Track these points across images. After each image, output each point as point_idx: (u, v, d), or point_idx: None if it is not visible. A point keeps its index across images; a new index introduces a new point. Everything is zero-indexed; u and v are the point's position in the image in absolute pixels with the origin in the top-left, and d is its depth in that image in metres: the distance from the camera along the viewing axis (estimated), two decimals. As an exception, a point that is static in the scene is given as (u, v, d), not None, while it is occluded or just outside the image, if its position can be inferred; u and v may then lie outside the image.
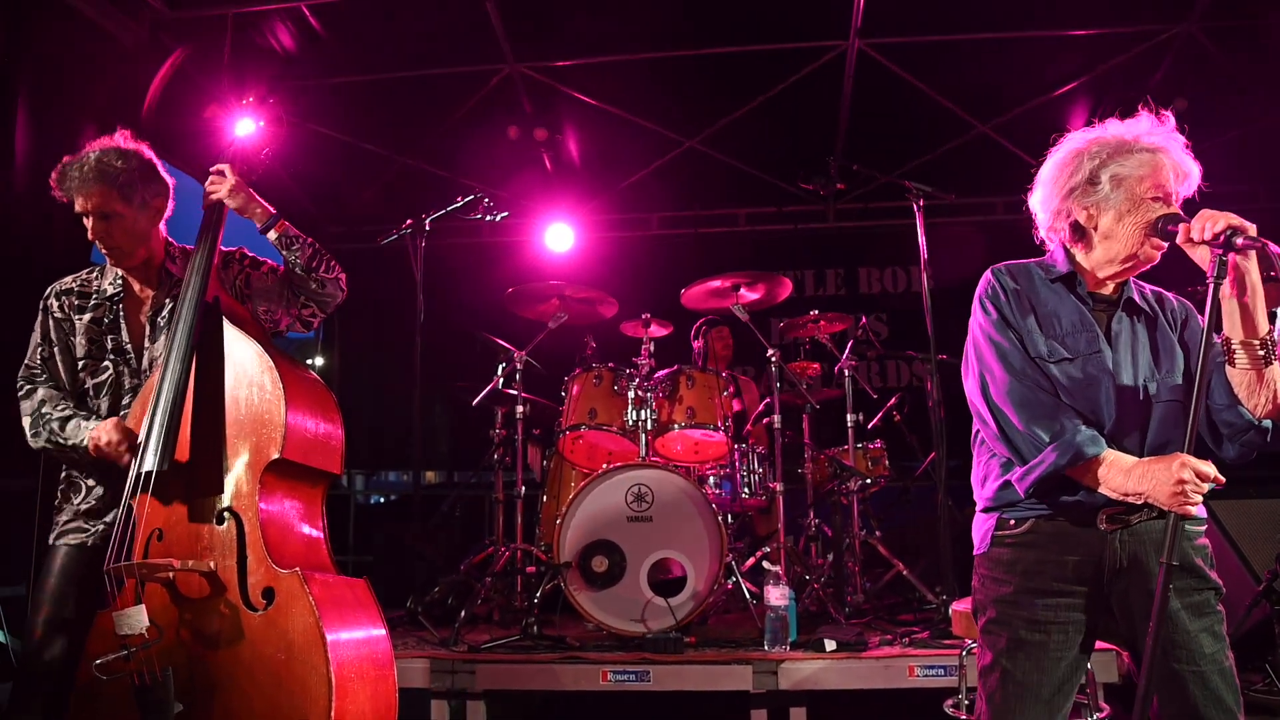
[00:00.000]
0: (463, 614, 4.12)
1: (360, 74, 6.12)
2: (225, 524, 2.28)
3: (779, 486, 4.55)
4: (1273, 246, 1.77)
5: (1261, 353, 1.84)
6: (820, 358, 5.74)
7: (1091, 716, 2.92)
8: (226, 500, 2.30)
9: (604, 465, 4.22)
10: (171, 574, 2.22)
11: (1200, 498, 1.75)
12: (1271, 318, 1.85)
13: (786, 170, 7.20)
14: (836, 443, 5.22)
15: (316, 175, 7.05)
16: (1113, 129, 2.03)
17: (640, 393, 4.42)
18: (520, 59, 6.12)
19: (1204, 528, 1.98)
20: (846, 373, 5.07)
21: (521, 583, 4.72)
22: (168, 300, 2.62)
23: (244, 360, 2.40)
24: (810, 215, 7.89)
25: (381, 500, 11.01)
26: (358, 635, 2.25)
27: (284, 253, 2.70)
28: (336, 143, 6.74)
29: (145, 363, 2.57)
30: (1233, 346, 1.87)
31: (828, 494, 5.19)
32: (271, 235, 2.70)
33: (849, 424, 5.02)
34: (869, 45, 5.97)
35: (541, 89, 6.37)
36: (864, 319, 5.31)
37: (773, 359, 4.59)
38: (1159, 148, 1.97)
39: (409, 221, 4.81)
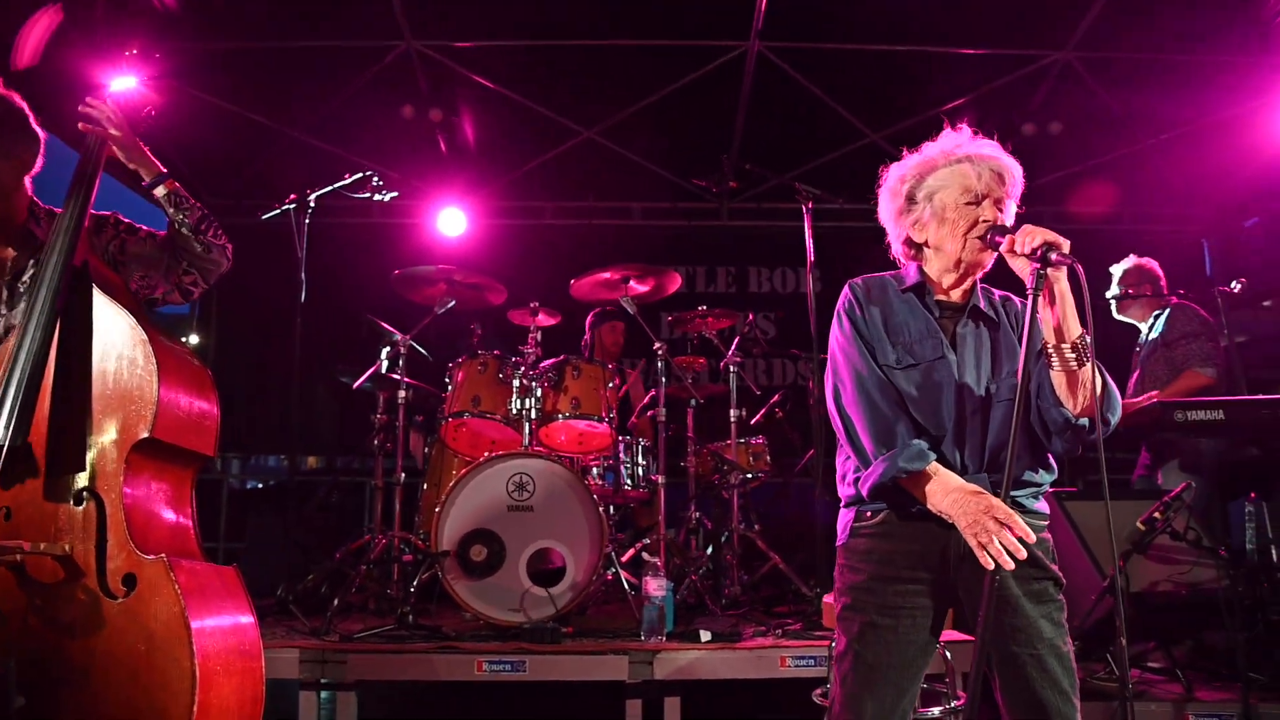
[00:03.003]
0: (335, 602, 4.02)
1: (248, 39, 5.88)
2: (84, 505, 2.14)
3: (661, 479, 4.60)
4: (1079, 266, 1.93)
5: (1072, 355, 1.98)
6: (707, 353, 5.83)
7: (949, 703, 3.06)
8: (87, 480, 2.16)
9: (486, 454, 4.18)
10: (20, 556, 2.07)
11: (998, 544, 1.85)
12: None
13: (682, 166, 7.29)
14: (719, 437, 5.30)
15: (197, 143, 6.73)
16: (926, 150, 2.21)
17: (525, 381, 4.40)
18: (418, 36, 5.99)
19: (1046, 523, 2.15)
20: (731, 369, 5.16)
21: (398, 571, 4.63)
22: (30, 263, 2.44)
23: (114, 331, 2.26)
24: (704, 213, 8.00)
25: (259, 485, 10.61)
26: (225, 625, 2.16)
27: (171, 211, 2.57)
28: (220, 110, 6.45)
29: (1, 329, 2.40)
30: (1049, 351, 2.02)
31: (709, 487, 5.29)
32: (159, 191, 2.56)
33: (732, 419, 5.11)
34: (768, 48, 6.08)
35: (439, 69, 6.25)
36: (751, 316, 5.41)
37: (659, 352, 4.64)
38: (963, 157, 2.14)
39: (293, 197, 4.65)
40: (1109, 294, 4.80)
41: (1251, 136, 6.72)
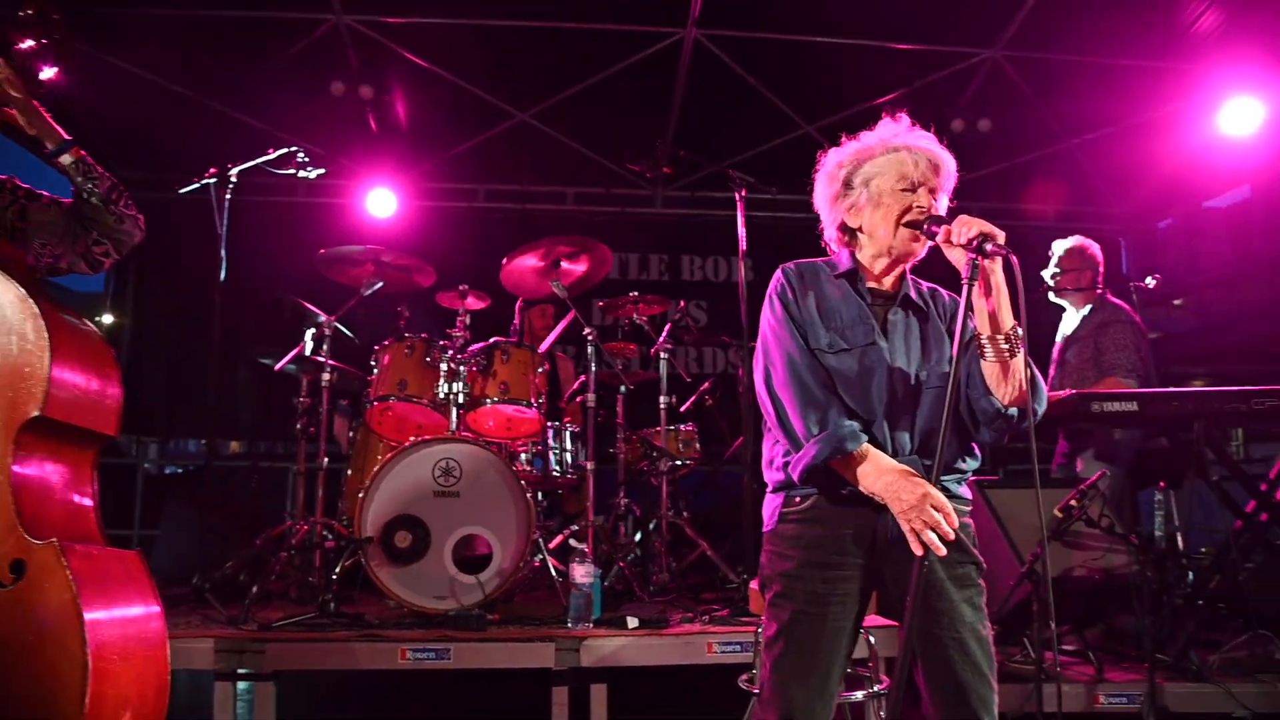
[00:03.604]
0: (254, 590, 3.91)
1: (169, 6, 5.66)
2: (-33, 488, 2.03)
3: (590, 465, 4.57)
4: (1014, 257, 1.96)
5: (1005, 346, 2.02)
6: (638, 340, 5.80)
7: (872, 687, 3.10)
8: (-31, 462, 2.04)
9: (412, 438, 4.10)
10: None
11: (932, 533, 1.87)
12: None
13: (617, 152, 7.25)
14: (649, 424, 5.28)
15: (114, 113, 6.48)
16: (864, 138, 2.24)
17: (453, 365, 4.32)
18: (349, 10, 5.85)
19: (969, 508, 2.17)
20: (662, 356, 5.15)
21: (320, 558, 4.53)
22: None
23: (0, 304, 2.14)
24: (638, 199, 7.99)
25: (180, 470, 10.31)
26: (124, 613, 2.06)
27: (80, 180, 2.44)
28: (139, 80, 6.22)
29: None
30: (982, 341, 2.05)
31: (638, 474, 5.28)
32: (65, 159, 2.43)
33: (662, 406, 5.10)
34: (705, 36, 6.07)
35: (370, 44, 6.12)
36: (683, 303, 5.41)
37: (590, 338, 4.60)
38: (900, 146, 2.17)
39: (213, 171, 4.49)
40: (1047, 272, 4.77)
41: (1167, 140, 6.97)
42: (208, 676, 3.45)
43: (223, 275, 4.55)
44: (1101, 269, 4.72)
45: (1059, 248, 4.77)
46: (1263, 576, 3.96)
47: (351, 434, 5.19)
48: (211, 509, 5.14)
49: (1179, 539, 4.35)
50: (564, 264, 4.76)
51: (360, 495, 3.93)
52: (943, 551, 1.87)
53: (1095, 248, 4.75)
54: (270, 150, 4.60)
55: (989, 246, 1.94)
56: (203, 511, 5.14)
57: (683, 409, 5.73)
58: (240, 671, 3.46)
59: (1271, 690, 3.40)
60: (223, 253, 4.53)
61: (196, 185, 4.55)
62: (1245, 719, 3.38)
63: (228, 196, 4.54)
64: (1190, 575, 4.04)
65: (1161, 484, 4.27)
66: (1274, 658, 3.50)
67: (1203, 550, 5.08)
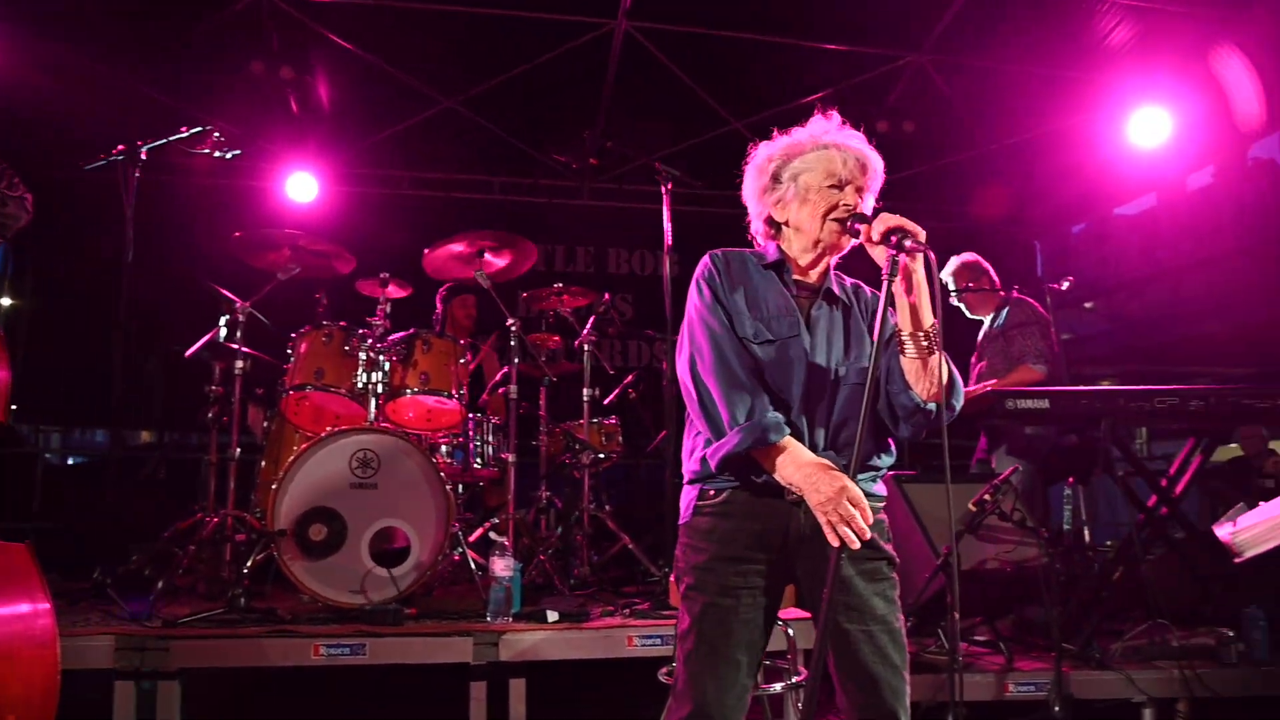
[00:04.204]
0: (160, 585, 3.76)
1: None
2: None
3: (511, 458, 4.51)
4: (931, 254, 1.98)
5: (925, 343, 2.04)
6: (562, 332, 5.76)
7: (790, 679, 3.13)
8: None
9: (329, 428, 4.00)
10: None
11: (847, 528, 1.88)
12: None
13: (544, 143, 7.19)
14: (572, 417, 5.27)
15: (13, 85, 6.16)
16: (795, 134, 2.25)
17: (372, 354, 4.23)
18: (270, -13, 5.68)
19: (882, 504, 2.18)
20: (586, 348, 5.12)
21: (231, 552, 4.39)
22: None
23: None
24: (565, 191, 7.94)
25: (85, 461, 9.90)
26: (7, 610, 1.96)
27: None
28: (42, 50, 5.91)
29: None
30: (902, 337, 2.07)
31: (560, 467, 5.25)
32: None
33: (585, 399, 5.08)
34: (636, 28, 6.05)
35: (292, 24, 5.92)
36: (608, 296, 5.39)
37: (513, 328, 4.55)
38: (829, 144, 2.19)
39: (121, 147, 4.30)
40: (953, 298, 4.95)
41: (1080, 147, 7.21)
42: (108, 675, 3.31)
43: (129, 256, 4.35)
44: (993, 273, 4.96)
45: (947, 273, 4.98)
46: (1162, 568, 4.13)
47: (266, 424, 5.04)
48: (116, 501, 4.95)
49: (1086, 532, 4.50)
50: (487, 255, 4.69)
51: (274, 487, 3.82)
52: (856, 545, 1.88)
53: (976, 257, 4.99)
54: (184, 129, 4.42)
55: (908, 243, 1.96)
56: (107, 503, 4.94)
57: (606, 402, 5.72)
58: (143, 670, 3.32)
59: (1169, 676, 3.53)
60: (129, 233, 4.34)
61: (103, 162, 4.35)
62: (1144, 703, 3.52)
63: (136, 175, 4.35)
64: (1095, 567, 4.18)
65: (1071, 479, 4.41)
66: (1171, 645, 3.64)
67: (1108, 543, 5.27)
